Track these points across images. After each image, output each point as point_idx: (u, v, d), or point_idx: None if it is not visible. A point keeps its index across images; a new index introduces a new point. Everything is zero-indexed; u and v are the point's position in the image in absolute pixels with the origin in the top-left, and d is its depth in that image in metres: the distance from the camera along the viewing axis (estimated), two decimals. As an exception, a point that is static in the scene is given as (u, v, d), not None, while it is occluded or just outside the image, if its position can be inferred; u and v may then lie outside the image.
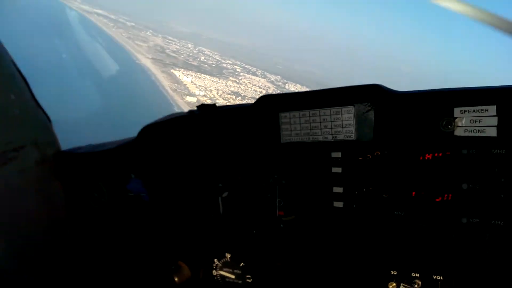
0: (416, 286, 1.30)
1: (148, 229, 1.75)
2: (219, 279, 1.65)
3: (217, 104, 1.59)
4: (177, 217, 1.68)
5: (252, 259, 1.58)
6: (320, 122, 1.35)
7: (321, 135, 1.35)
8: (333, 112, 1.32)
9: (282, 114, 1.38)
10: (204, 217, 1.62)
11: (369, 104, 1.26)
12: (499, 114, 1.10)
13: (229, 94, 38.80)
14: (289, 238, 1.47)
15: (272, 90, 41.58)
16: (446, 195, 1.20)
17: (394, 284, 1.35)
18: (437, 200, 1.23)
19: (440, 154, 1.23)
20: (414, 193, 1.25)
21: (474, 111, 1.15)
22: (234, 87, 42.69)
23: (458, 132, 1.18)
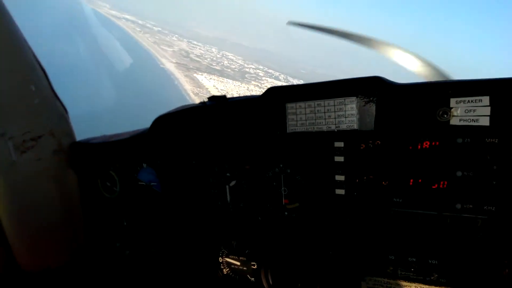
0: (412, 269, 1.36)
1: (158, 217, 1.84)
2: (225, 266, 1.73)
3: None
4: (186, 205, 1.77)
5: (257, 246, 1.65)
6: (325, 113, 1.41)
7: (325, 124, 1.41)
8: (337, 103, 1.38)
9: (289, 105, 1.44)
10: (212, 205, 1.70)
11: (371, 95, 1.33)
12: (492, 104, 1.15)
13: (251, 98, 38.84)
14: (294, 225, 1.54)
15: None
16: (442, 182, 1.26)
17: (391, 268, 1.41)
18: (433, 187, 1.28)
19: (437, 143, 1.29)
20: (412, 180, 1.32)
21: (468, 101, 1.20)
22: (256, 91, 42.94)
23: (454, 121, 1.23)
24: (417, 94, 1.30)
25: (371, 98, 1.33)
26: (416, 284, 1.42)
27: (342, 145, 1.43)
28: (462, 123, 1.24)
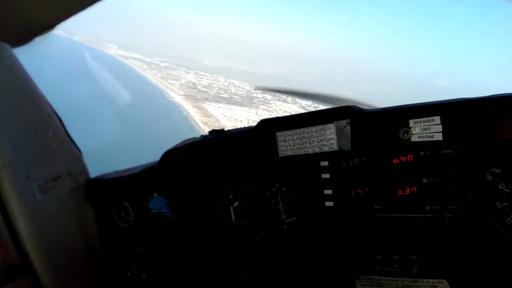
0: (396, 265, 1.58)
1: (171, 240, 2.06)
2: (233, 279, 1.92)
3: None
4: (195, 227, 1.99)
5: (262, 257, 1.87)
6: (309, 138, 1.72)
7: (310, 148, 1.72)
8: (318, 129, 1.70)
9: (278, 133, 1.77)
10: (218, 225, 1.94)
11: (345, 121, 1.61)
12: (442, 122, 1.42)
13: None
14: (293, 236, 1.78)
15: (304, 115, 41.07)
16: (412, 189, 1.51)
17: (379, 266, 1.64)
18: (406, 193, 1.53)
19: (403, 156, 1.54)
20: (387, 189, 1.57)
21: (424, 121, 1.49)
22: (265, 115, 43.15)
23: (414, 138, 1.52)
24: (382, 118, 1.58)
25: (345, 124, 1.61)
26: (402, 278, 1.64)
27: (327, 164, 1.71)
28: (421, 139, 1.50)
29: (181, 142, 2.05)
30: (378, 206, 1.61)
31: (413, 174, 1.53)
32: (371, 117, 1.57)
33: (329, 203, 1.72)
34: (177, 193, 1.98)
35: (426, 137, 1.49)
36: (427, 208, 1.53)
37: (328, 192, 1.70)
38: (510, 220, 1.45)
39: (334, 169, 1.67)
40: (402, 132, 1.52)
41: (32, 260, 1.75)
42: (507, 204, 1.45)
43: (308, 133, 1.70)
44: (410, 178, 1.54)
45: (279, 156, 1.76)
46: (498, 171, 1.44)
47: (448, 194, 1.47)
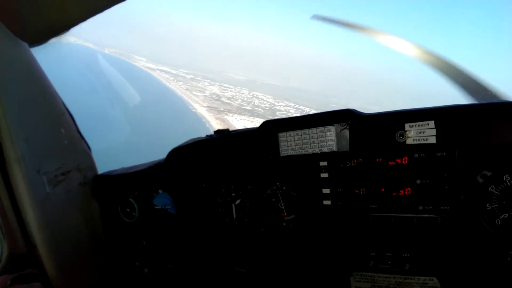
0: (389, 262, 1.59)
1: (174, 235, 2.12)
2: (234, 273, 1.95)
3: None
4: (198, 223, 2.05)
5: (261, 253, 1.91)
6: (310, 139, 1.76)
7: (310, 148, 1.76)
8: (319, 131, 1.75)
9: (280, 134, 1.82)
10: (220, 222, 1.99)
11: (344, 124, 1.65)
12: (436, 126, 1.46)
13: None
14: (291, 233, 1.81)
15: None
16: (406, 189, 1.53)
17: (373, 263, 1.65)
18: (400, 194, 1.56)
19: (399, 158, 1.57)
20: (382, 189, 1.59)
21: (418, 125, 1.54)
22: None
23: (409, 141, 1.55)
24: (379, 121, 1.63)
25: (344, 126, 1.66)
26: (394, 275, 1.64)
27: (326, 164, 1.74)
28: (415, 142, 1.56)
29: (187, 141, 2.12)
30: (374, 206, 1.64)
31: (407, 175, 1.57)
32: (369, 121, 1.63)
33: (326, 202, 1.76)
34: (181, 190, 2.05)
35: (420, 140, 1.59)
36: (420, 208, 1.57)
37: (326, 191, 1.75)
38: (499, 221, 1.52)
39: (332, 169, 1.71)
40: (398, 135, 1.57)
41: (39, 251, 1.81)
42: (496, 205, 1.52)
43: (309, 134, 1.75)
44: (404, 179, 1.58)
45: (281, 155, 1.80)
46: (489, 174, 1.52)
47: (440, 195, 1.52)
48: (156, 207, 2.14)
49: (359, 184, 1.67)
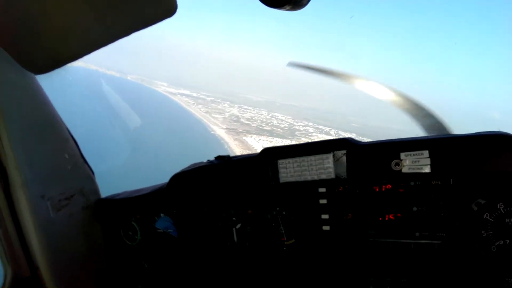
0: (388, 287, 1.54)
1: (175, 258, 2.12)
2: None
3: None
4: (199, 247, 2.05)
5: (262, 277, 1.88)
6: (308, 166, 1.79)
7: (309, 175, 1.78)
8: (317, 158, 1.77)
9: (280, 161, 1.84)
10: (221, 246, 1.98)
11: (342, 152, 1.66)
12: (430, 156, 1.46)
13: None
14: (291, 258, 1.78)
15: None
16: (403, 216, 1.53)
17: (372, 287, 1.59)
18: (398, 220, 1.53)
19: (395, 186, 1.56)
20: (380, 216, 1.57)
21: (414, 154, 1.56)
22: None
23: (405, 170, 1.58)
24: (375, 150, 1.65)
25: (342, 155, 1.66)
26: None
27: (325, 190, 1.75)
28: (411, 171, 1.57)
29: (189, 166, 2.15)
30: (372, 231, 1.61)
31: (404, 203, 1.58)
32: (366, 149, 1.64)
33: (326, 227, 1.75)
34: (183, 214, 2.06)
35: (415, 168, 1.57)
36: (417, 234, 1.55)
37: (325, 216, 1.74)
38: (495, 248, 1.43)
39: (331, 195, 1.71)
40: (394, 164, 1.59)
41: (42, 274, 1.82)
42: (491, 232, 1.45)
43: (308, 161, 1.78)
44: (401, 206, 1.58)
45: (280, 182, 1.83)
46: (483, 201, 1.45)
47: (436, 222, 1.53)
48: (158, 230, 2.15)
49: (357, 210, 1.67)
